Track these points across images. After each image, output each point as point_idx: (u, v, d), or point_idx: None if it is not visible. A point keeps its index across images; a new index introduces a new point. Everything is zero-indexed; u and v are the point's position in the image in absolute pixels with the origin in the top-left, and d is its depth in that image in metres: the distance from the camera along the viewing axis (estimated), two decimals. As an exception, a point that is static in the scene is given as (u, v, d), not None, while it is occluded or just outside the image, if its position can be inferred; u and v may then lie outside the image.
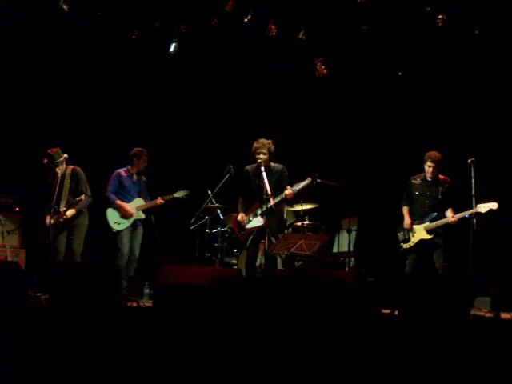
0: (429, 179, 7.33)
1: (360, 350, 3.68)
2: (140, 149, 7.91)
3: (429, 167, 7.26)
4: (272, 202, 6.74)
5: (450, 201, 7.25)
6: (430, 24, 8.20)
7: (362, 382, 3.50)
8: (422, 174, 7.40)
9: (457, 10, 8.14)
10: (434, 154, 7.26)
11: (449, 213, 7.19)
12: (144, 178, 8.04)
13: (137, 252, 7.83)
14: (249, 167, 7.29)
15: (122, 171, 7.92)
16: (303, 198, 8.49)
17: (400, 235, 7.42)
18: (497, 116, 8.45)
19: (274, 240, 6.89)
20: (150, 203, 7.87)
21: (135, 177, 7.93)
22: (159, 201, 7.85)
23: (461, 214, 6.99)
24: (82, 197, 7.36)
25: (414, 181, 7.46)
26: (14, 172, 9.06)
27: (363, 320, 4.18)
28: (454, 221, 7.02)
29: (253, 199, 7.18)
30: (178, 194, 7.95)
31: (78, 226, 7.54)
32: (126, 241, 7.74)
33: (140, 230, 7.89)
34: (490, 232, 7.04)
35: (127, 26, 9.05)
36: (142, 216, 7.84)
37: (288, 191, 6.81)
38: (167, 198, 7.90)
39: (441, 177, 7.35)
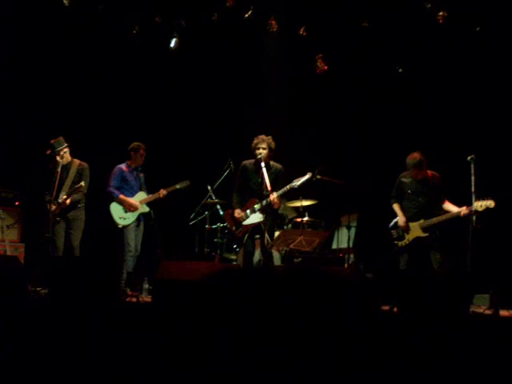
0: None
1: (360, 346, 3.69)
2: (137, 143, 7.94)
3: (415, 174, 7.21)
4: (271, 197, 6.74)
5: (442, 195, 7.21)
6: (430, 21, 8.20)
7: (362, 379, 3.51)
8: None
9: (457, 7, 8.14)
10: (412, 161, 7.12)
11: (450, 206, 7.13)
12: (141, 174, 8.04)
13: (139, 247, 7.86)
14: (247, 162, 7.26)
15: (123, 166, 7.94)
16: (303, 194, 8.49)
17: (394, 233, 7.36)
18: (497, 113, 8.44)
19: (268, 236, 6.88)
20: (154, 195, 7.87)
21: (135, 171, 7.96)
22: (162, 193, 7.84)
23: (468, 208, 6.84)
24: (82, 183, 7.41)
25: (404, 179, 7.36)
26: (15, 166, 9.08)
27: (364, 316, 4.18)
28: (466, 213, 6.83)
29: (248, 195, 7.16)
30: (180, 185, 7.95)
31: (75, 221, 7.57)
32: (133, 236, 7.77)
33: (142, 226, 7.93)
34: (489, 229, 7.03)
35: (128, 21, 9.05)
36: (147, 209, 7.85)
37: (274, 200, 6.80)
38: (170, 189, 7.90)
39: (429, 172, 7.28)
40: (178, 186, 7.94)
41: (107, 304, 4.50)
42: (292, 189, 6.91)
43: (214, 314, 3.72)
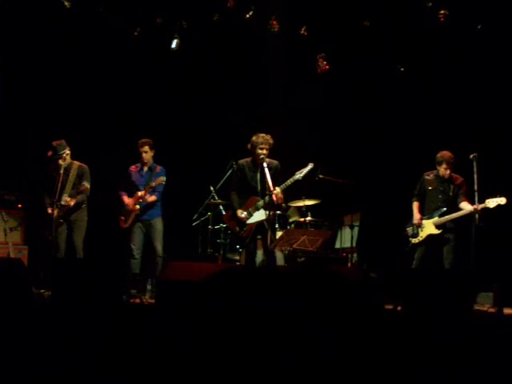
0: (442, 176, 7.34)
1: (364, 345, 3.69)
2: (140, 140, 7.80)
3: (445, 169, 7.26)
4: (275, 198, 6.73)
5: (462, 196, 7.25)
6: (431, 19, 8.19)
7: (366, 379, 3.51)
8: (435, 171, 7.40)
9: (458, 5, 8.13)
10: (448, 155, 7.24)
11: (465, 205, 7.15)
12: (158, 169, 7.84)
13: (157, 250, 7.62)
14: (243, 161, 7.19)
15: (132, 166, 7.85)
16: (306, 194, 8.49)
17: (409, 230, 7.43)
18: (499, 112, 8.44)
19: (270, 236, 6.87)
20: (136, 196, 7.65)
21: (145, 169, 7.85)
22: (140, 193, 7.61)
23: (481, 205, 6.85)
24: (87, 185, 7.37)
25: (427, 176, 7.46)
26: (17, 169, 9.09)
27: (368, 316, 4.18)
28: (478, 209, 6.80)
29: (247, 194, 7.14)
30: (156, 183, 7.59)
31: (77, 222, 7.55)
32: (134, 237, 7.63)
33: (156, 225, 7.69)
34: (492, 227, 7.03)
35: (129, 23, 9.06)
36: (137, 207, 7.64)
37: (278, 195, 6.75)
38: (148, 188, 7.58)
39: (454, 175, 7.35)
40: (153, 184, 7.59)
41: (110, 305, 4.50)
42: (296, 181, 6.87)
43: (216, 314, 3.72)
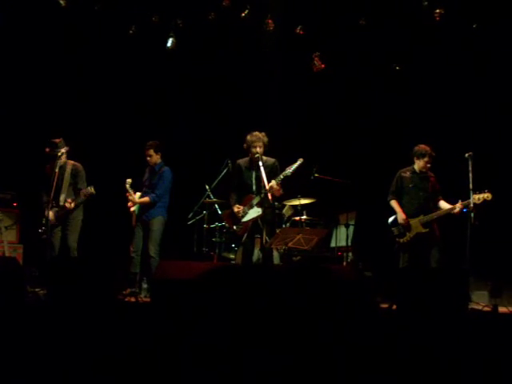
0: (419, 172, 7.31)
1: (359, 344, 3.69)
2: (147, 143, 7.89)
3: (426, 163, 7.22)
4: (270, 196, 6.74)
5: (438, 193, 7.26)
6: (427, 18, 8.20)
7: (361, 377, 3.51)
8: (411, 168, 7.36)
9: (454, 4, 8.15)
10: (430, 148, 7.22)
11: (444, 204, 7.17)
12: (162, 170, 7.86)
13: (149, 250, 7.64)
14: (241, 161, 7.25)
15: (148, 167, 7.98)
16: (301, 192, 8.49)
17: (395, 230, 7.33)
18: (495, 110, 8.45)
19: (266, 236, 6.87)
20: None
21: (153, 170, 7.90)
22: (131, 197, 7.76)
23: (462, 204, 6.90)
24: (91, 189, 7.28)
25: (404, 174, 7.38)
26: (13, 168, 9.07)
27: (363, 314, 4.18)
28: (461, 208, 6.86)
29: (244, 193, 7.15)
30: (129, 184, 7.73)
31: (72, 221, 7.49)
32: (134, 237, 7.71)
33: (153, 225, 7.70)
34: (487, 226, 7.03)
35: (125, 22, 9.05)
36: (132, 209, 7.77)
37: (274, 188, 6.74)
38: (129, 190, 7.73)
39: (428, 172, 7.34)
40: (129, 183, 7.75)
41: (104, 304, 4.50)
42: (287, 177, 6.85)
43: (211, 311, 3.73)
